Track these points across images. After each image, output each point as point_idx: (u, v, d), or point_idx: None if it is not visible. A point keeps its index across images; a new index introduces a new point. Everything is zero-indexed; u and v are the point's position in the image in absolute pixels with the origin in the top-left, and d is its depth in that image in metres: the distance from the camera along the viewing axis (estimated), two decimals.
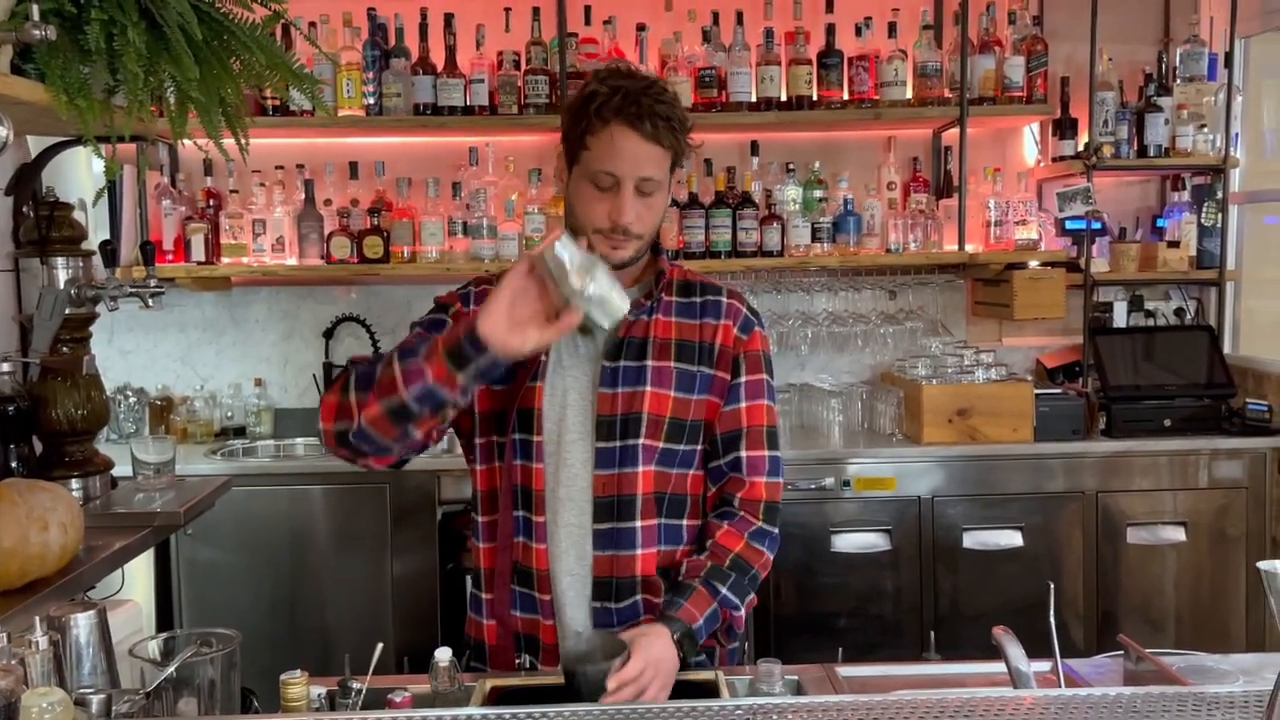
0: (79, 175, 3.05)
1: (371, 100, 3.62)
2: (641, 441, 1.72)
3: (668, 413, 1.74)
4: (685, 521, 1.79)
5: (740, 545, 1.74)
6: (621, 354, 1.74)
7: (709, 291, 1.82)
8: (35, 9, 1.55)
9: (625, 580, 1.73)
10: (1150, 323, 3.97)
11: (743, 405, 1.78)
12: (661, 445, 1.74)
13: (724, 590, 1.70)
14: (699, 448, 1.79)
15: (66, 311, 2.08)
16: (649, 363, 1.74)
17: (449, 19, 3.64)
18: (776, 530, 1.80)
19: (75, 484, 2.09)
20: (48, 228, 2.10)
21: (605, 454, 1.72)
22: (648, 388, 1.73)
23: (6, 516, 1.56)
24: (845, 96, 3.72)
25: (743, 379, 1.79)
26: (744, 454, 1.77)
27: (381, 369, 1.56)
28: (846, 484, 3.41)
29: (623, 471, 1.72)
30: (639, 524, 1.73)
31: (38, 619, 1.35)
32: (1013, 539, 3.43)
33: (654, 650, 1.56)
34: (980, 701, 1.43)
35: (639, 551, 1.73)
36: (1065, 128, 3.84)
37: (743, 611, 1.74)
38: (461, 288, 1.83)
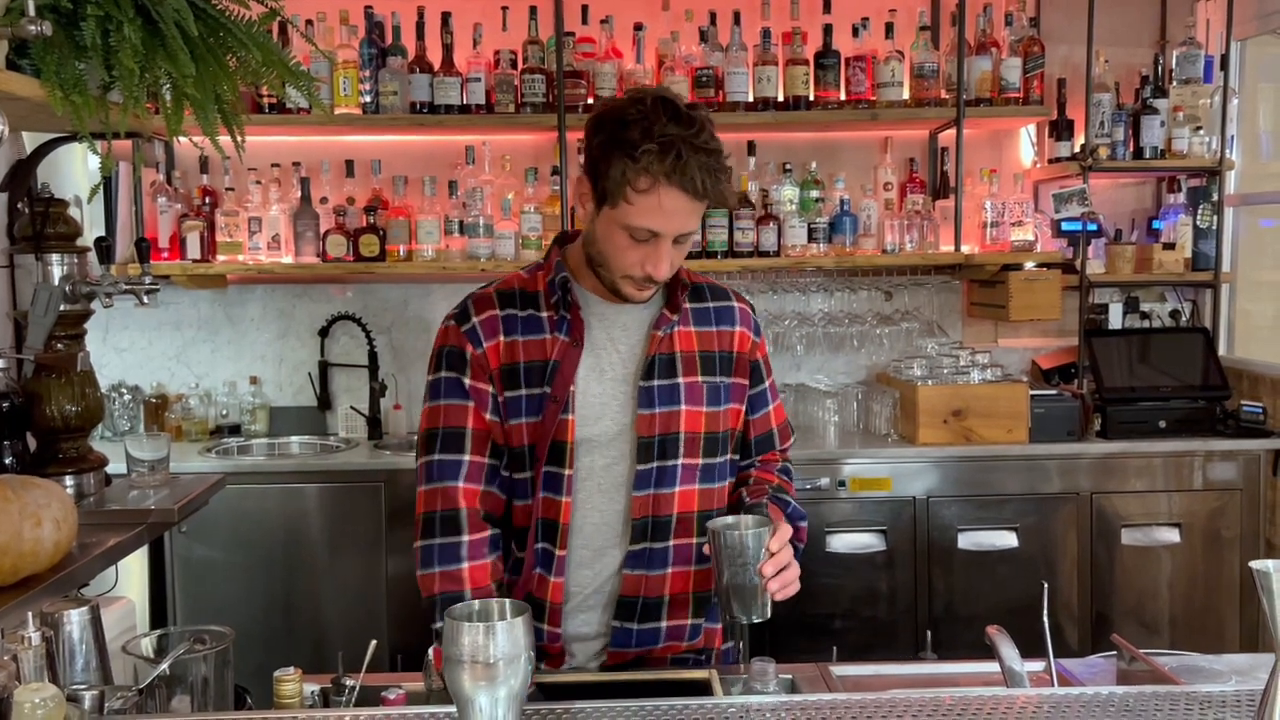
0: (74, 171, 3.05)
1: (368, 98, 3.61)
2: (680, 461, 1.71)
3: (702, 429, 1.72)
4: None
5: (777, 480, 1.85)
6: (655, 373, 1.71)
7: (719, 296, 1.81)
8: (31, 4, 1.55)
9: (653, 600, 1.73)
10: (1145, 324, 3.98)
11: (770, 409, 1.86)
12: (701, 462, 1.73)
13: (793, 503, 1.80)
14: (729, 457, 1.79)
15: (61, 308, 2.07)
16: (680, 380, 1.72)
17: (446, 18, 3.64)
18: (793, 469, 1.93)
19: (69, 481, 2.09)
20: (43, 224, 2.10)
21: (643, 475, 1.69)
22: (683, 406, 1.71)
23: (0, 513, 1.56)
24: (842, 97, 3.72)
25: (765, 384, 1.84)
26: (779, 445, 1.89)
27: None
28: (842, 484, 3.41)
29: (659, 492, 1.70)
30: (672, 543, 1.72)
31: (30, 615, 1.35)
32: (1008, 540, 3.44)
33: (790, 532, 1.63)
34: (974, 700, 1.43)
35: (669, 570, 1.72)
36: (1061, 129, 3.85)
37: (805, 523, 1.80)
38: (460, 315, 1.71)
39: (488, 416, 1.69)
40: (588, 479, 1.70)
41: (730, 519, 1.60)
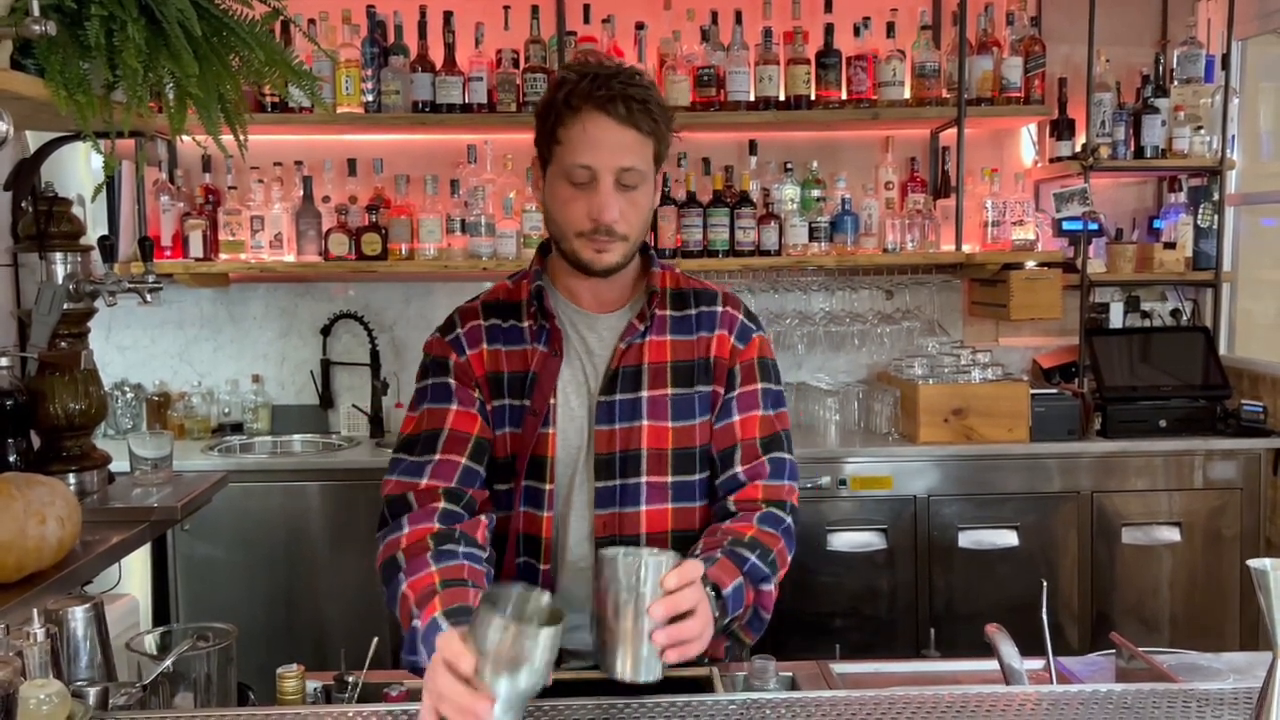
0: (78, 170, 3.05)
1: (370, 97, 3.62)
2: (644, 480, 1.64)
3: (669, 445, 1.64)
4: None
5: (752, 530, 1.61)
6: (617, 387, 1.64)
7: (703, 300, 1.72)
8: (35, 4, 1.55)
9: None
10: (1146, 324, 3.98)
11: (735, 419, 1.68)
12: (672, 479, 1.65)
13: (752, 558, 1.55)
14: (710, 474, 1.70)
15: (65, 307, 2.08)
16: (644, 394, 1.64)
17: (448, 17, 3.65)
18: (789, 520, 1.68)
19: (72, 479, 2.09)
20: (46, 223, 2.11)
21: (604, 493, 1.63)
22: (644, 421, 1.63)
23: (4, 510, 1.57)
24: (843, 96, 3.72)
25: (735, 392, 1.69)
26: (739, 469, 1.67)
27: (399, 611, 1.47)
28: (843, 483, 3.42)
29: (623, 511, 1.63)
30: None
31: (35, 612, 1.36)
32: (1008, 539, 3.44)
33: (700, 570, 1.38)
34: (973, 698, 1.43)
35: None
36: (1062, 129, 3.85)
37: (771, 587, 1.60)
38: (445, 327, 1.70)
39: (477, 418, 1.63)
40: (565, 495, 1.65)
41: (628, 548, 1.33)
